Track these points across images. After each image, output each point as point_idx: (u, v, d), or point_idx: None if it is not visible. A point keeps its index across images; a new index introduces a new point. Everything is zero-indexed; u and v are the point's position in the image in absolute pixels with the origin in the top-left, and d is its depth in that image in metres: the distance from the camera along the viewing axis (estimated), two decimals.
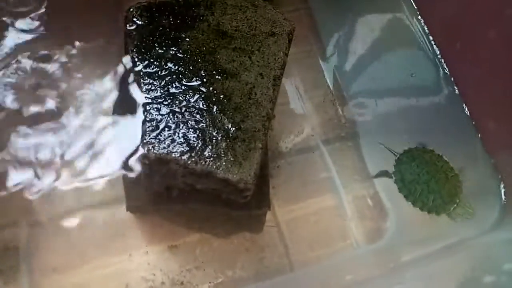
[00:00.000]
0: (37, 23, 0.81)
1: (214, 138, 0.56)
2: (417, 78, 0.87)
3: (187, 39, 0.62)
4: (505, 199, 0.77)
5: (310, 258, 0.76)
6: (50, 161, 0.71)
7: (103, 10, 0.82)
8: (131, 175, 0.63)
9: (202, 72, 0.60)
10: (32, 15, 0.81)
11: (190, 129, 0.56)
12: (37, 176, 0.69)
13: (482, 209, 0.74)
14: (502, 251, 0.67)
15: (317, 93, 0.87)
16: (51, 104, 0.74)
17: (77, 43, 0.80)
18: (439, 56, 0.86)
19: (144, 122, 0.56)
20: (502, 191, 0.78)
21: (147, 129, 0.55)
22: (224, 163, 0.55)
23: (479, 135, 0.81)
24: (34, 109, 0.74)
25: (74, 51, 0.79)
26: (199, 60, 0.61)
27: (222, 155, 0.55)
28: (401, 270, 0.74)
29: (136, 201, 0.68)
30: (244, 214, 0.71)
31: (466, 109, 0.83)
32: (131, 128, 0.59)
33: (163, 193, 0.63)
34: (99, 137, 0.69)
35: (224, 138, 0.56)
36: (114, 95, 0.63)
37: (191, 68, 0.60)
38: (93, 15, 0.81)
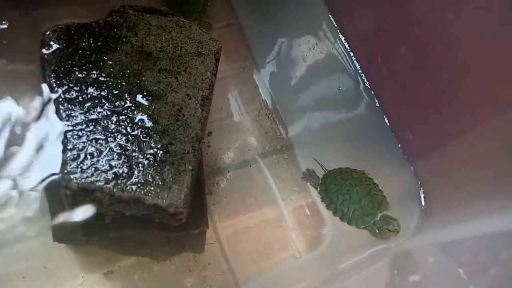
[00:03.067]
0: None
1: (141, 163, 0.55)
2: (344, 92, 0.91)
3: (110, 62, 0.60)
4: (424, 204, 0.83)
5: (253, 272, 0.76)
6: None
7: (21, 31, 0.77)
8: (56, 205, 0.60)
9: (126, 95, 0.58)
10: None
11: (115, 156, 0.54)
12: None
13: (405, 215, 0.78)
14: (425, 251, 0.72)
15: (252, 107, 0.89)
16: None
17: None
18: (359, 71, 0.91)
19: (64, 151, 0.53)
20: (422, 196, 0.83)
21: (68, 158, 0.53)
22: (152, 189, 0.53)
23: (399, 145, 0.87)
24: None
25: None
26: (123, 83, 0.59)
27: (150, 180, 0.54)
28: (340, 277, 0.76)
29: (64, 231, 0.64)
30: (182, 235, 0.70)
31: (386, 120, 0.88)
32: (53, 157, 0.56)
33: (93, 221, 0.60)
34: (19, 166, 0.64)
35: (152, 162, 0.55)
36: (33, 123, 0.60)
37: (114, 92, 0.58)
38: (11, 35, 0.77)
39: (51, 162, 0.56)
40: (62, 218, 0.60)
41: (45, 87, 0.58)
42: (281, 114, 0.89)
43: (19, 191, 0.65)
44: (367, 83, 0.90)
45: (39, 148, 0.57)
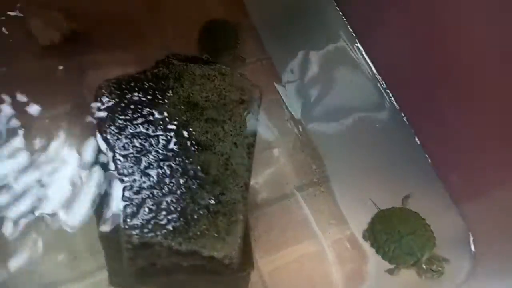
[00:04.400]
0: None
1: (196, 215, 0.56)
2: (381, 129, 0.91)
3: (159, 116, 0.62)
4: (474, 249, 0.80)
5: None
6: (25, 232, 0.68)
7: (64, 83, 0.80)
8: (112, 253, 0.62)
9: (177, 147, 0.61)
10: None
11: (171, 208, 0.56)
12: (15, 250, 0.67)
13: (452, 261, 0.76)
14: None
15: (286, 140, 0.90)
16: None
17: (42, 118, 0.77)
18: (397, 108, 0.93)
19: (124, 206, 0.55)
20: (471, 240, 0.81)
21: (128, 213, 0.55)
22: (208, 241, 0.55)
23: (443, 184, 0.85)
24: None
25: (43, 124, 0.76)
26: (173, 135, 0.61)
27: (206, 232, 0.56)
28: None
29: (119, 276, 0.66)
30: (231, 278, 0.71)
31: (430, 160, 0.87)
32: (111, 208, 0.58)
33: (147, 267, 0.62)
34: (77, 217, 0.67)
35: (206, 213, 0.57)
36: (90, 176, 0.62)
37: (165, 144, 0.60)
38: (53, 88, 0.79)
39: (109, 213, 0.58)
40: (118, 265, 0.62)
41: (100, 140, 0.60)
42: (315, 145, 0.90)
43: (75, 240, 0.68)
44: (405, 117, 0.90)
45: (97, 199, 0.60)
